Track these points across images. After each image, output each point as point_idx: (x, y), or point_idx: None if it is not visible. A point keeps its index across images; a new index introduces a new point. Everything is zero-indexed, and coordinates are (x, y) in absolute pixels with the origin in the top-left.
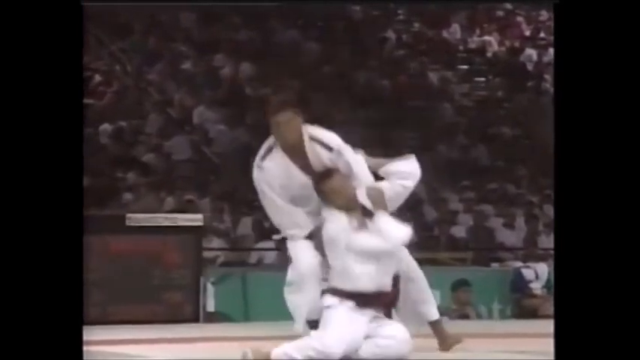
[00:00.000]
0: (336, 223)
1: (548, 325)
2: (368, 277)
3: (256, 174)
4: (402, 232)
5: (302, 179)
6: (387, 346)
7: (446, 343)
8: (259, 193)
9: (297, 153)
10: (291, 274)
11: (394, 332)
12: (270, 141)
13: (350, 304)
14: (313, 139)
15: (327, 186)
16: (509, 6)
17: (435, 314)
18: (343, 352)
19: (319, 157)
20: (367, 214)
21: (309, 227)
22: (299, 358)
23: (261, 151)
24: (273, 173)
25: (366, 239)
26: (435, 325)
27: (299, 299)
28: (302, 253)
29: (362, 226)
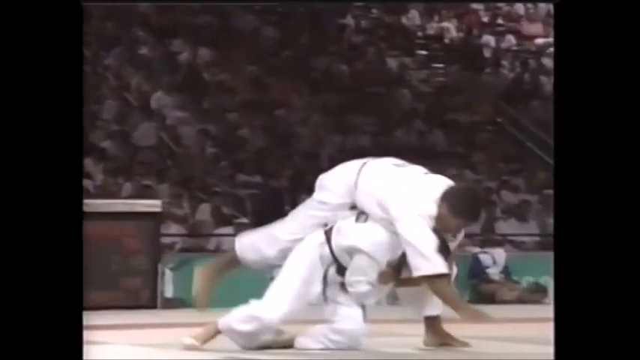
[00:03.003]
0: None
1: (506, 310)
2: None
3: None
4: None
5: None
6: (337, 342)
7: (433, 341)
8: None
9: None
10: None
11: (346, 326)
12: None
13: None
14: None
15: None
16: None
17: (433, 310)
18: (284, 320)
19: None
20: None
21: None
22: (241, 329)
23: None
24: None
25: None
26: (430, 320)
27: None
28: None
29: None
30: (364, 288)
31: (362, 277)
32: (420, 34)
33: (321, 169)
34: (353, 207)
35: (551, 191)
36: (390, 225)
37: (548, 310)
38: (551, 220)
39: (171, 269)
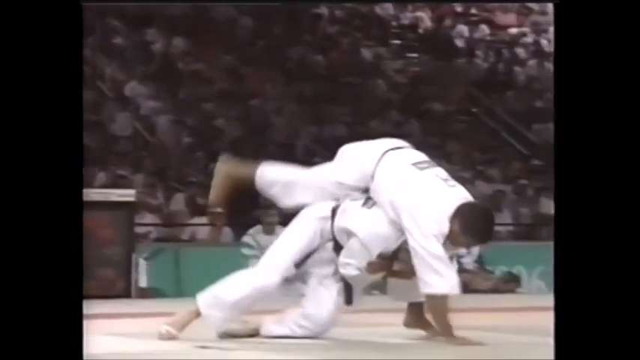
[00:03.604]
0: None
1: (479, 300)
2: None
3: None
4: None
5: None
6: (305, 327)
7: (413, 324)
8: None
9: None
10: None
11: (313, 311)
12: None
13: None
14: None
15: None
16: None
17: (420, 298)
18: (277, 287)
19: None
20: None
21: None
22: (230, 298)
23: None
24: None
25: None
26: (414, 305)
27: None
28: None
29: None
30: (353, 272)
31: (353, 260)
32: (394, 23)
33: (297, 159)
34: (366, 190)
35: (525, 181)
36: (395, 222)
37: (521, 299)
38: (524, 210)
39: (146, 259)
